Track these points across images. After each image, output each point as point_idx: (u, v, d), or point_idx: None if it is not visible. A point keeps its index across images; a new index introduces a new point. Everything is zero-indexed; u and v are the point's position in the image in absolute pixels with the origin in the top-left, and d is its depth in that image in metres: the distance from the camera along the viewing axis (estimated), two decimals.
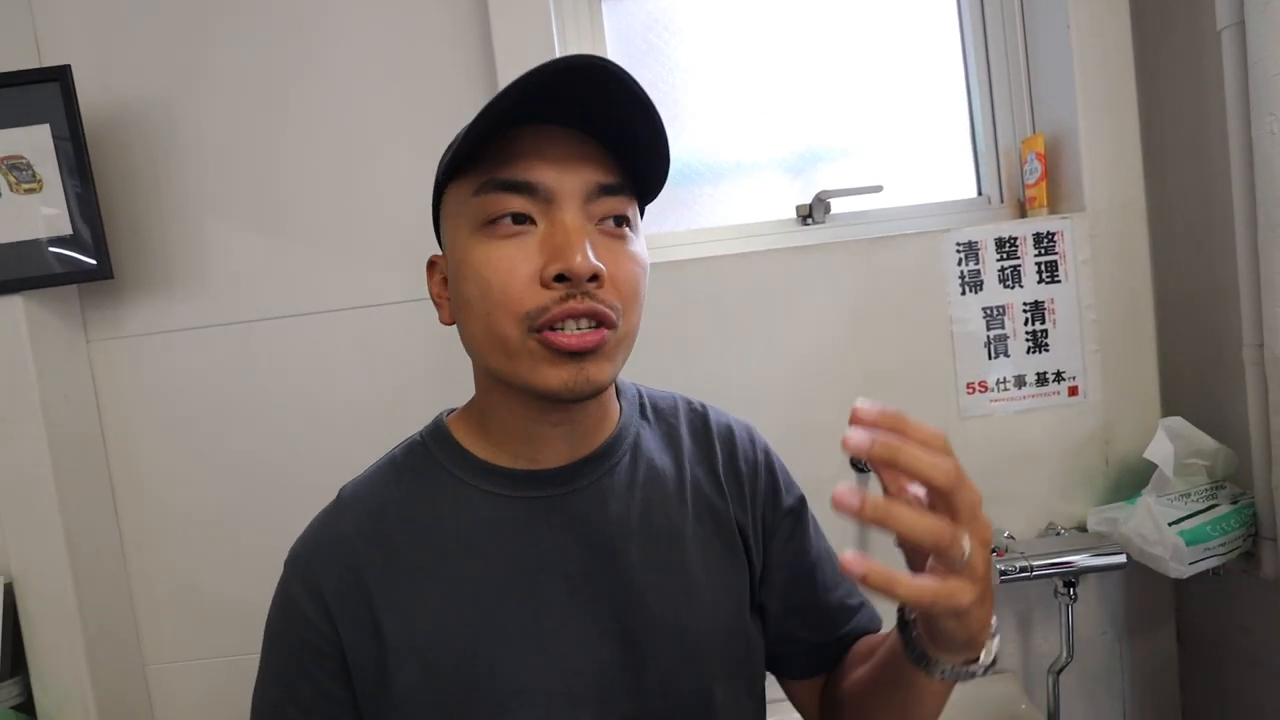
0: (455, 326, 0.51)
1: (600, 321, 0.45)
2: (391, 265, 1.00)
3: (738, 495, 0.57)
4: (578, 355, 0.45)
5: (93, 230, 0.92)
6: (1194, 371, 0.98)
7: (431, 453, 0.54)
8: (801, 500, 0.61)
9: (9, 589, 0.92)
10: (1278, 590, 0.87)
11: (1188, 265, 0.97)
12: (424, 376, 1.00)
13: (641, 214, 0.52)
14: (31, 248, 0.92)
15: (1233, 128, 0.83)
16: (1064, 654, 0.95)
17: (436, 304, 0.53)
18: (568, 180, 0.45)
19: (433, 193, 0.52)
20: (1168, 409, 1.01)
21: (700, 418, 0.60)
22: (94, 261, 0.93)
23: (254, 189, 1.00)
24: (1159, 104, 0.98)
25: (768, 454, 0.61)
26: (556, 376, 0.45)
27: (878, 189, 1.08)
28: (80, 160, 0.91)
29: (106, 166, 0.98)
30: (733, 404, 0.96)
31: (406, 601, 0.48)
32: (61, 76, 0.90)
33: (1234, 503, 0.89)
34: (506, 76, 0.96)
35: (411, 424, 0.58)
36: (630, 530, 0.52)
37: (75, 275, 0.93)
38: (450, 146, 0.48)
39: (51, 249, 0.92)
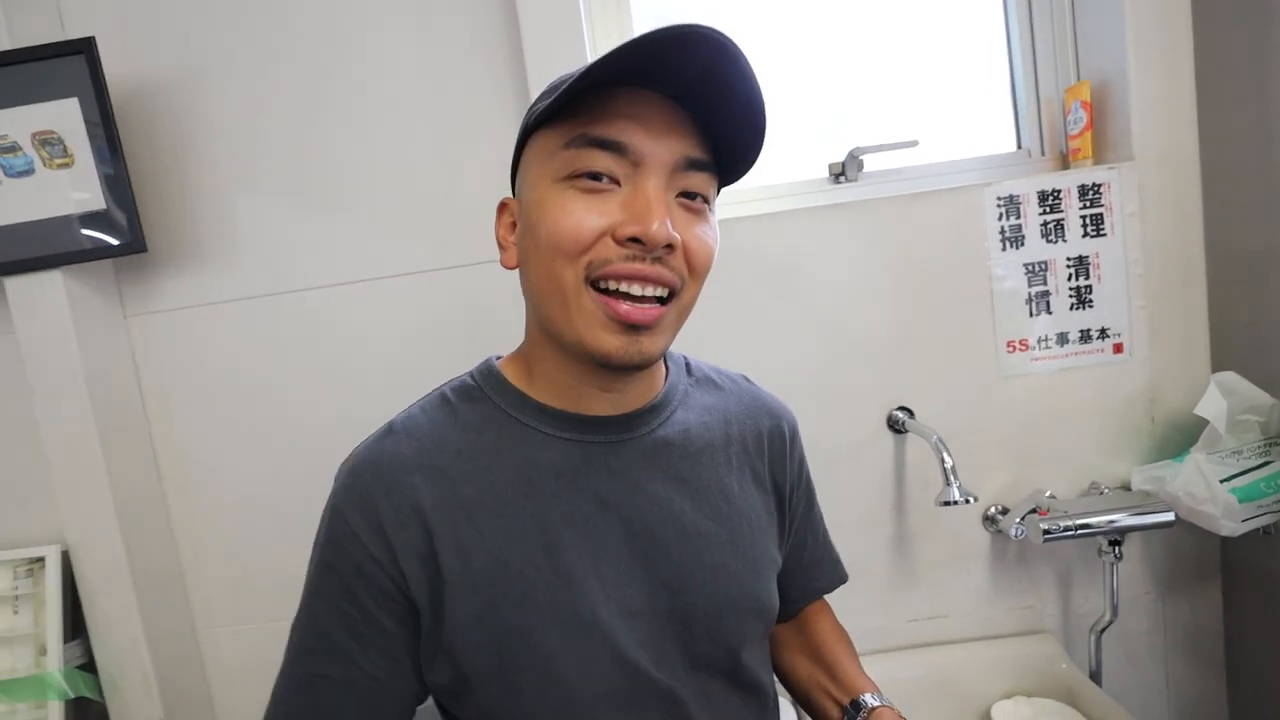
0: (517, 273, 0.52)
1: (667, 290, 0.46)
2: (422, 234, 0.99)
3: (778, 459, 0.61)
4: (634, 328, 0.46)
5: (124, 204, 0.93)
6: (1247, 327, 0.94)
7: (485, 393, 0.54)
8: (809, 476, 0.67)
9: (66, 557, 0.95)
10: None
11: (1243, 218, 0.93)
12: (460, 343, 0.99)
13: (718, 192, 0.52)
14: (65, 223, 0.92)
15: None
16: (1107, 613, 0.93)
17: (501, 246, 0.53)
18: (659, 147, 0.45)
19: (517, 138, 0.51)
20: (1216, 366, 0.98)
21: (744, 387, 0.64)
22: (127, 236, 0.93)
23: (284, 160, 0.99)
24: (1215, 47, 0.93)
25: (797, 431, 0.64)
26: (611, 342, 0.46)
27: (913, 144, 1.04)
28: (109, 134, 0.91)
29: (135, 139, 0.98)
30: (766, 366, 0.97)
31: (465, 538, 0.48)
32: (87, 49, 0.89)
33: None
34: (533, 53, 0.93)
35: None
36: (683, 481, 0.54)
37: (109, 249, 0.93)
38: (543, 95, 0.48)
39: (84, 224, 0.93)
